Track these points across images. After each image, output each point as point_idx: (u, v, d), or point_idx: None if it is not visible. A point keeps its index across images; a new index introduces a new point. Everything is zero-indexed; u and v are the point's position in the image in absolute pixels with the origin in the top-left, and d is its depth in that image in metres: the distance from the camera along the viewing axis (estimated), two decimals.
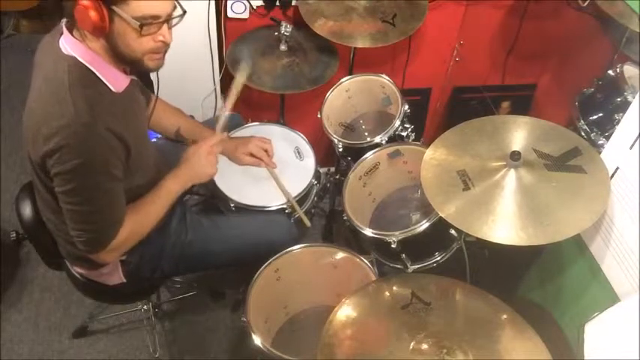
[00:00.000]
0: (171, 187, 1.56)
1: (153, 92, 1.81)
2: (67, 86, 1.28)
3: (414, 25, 2.00)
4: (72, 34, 1.33)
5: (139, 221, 1.49)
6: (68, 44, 1.32)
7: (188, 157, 1.60)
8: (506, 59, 2.51)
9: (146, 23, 1.27)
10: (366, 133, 2.03)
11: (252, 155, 1.83)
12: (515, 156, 1.40)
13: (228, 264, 1.82)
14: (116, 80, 1.37)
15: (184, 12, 1.37)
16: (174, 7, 1.34)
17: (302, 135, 1.98)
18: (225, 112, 1.70)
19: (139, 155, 1.42)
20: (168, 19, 1.32)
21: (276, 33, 2.08)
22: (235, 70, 2.00)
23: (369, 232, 1.64)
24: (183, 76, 2.21)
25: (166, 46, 1.36)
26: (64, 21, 1.34)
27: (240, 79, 1.72)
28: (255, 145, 1.83)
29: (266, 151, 1.84)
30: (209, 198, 2.04)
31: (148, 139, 1.62)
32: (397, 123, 1.86)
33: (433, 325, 1.30)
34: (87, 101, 1.27)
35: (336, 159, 2.20)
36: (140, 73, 1.55)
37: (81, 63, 1.31)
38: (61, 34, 1.34)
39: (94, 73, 1.32)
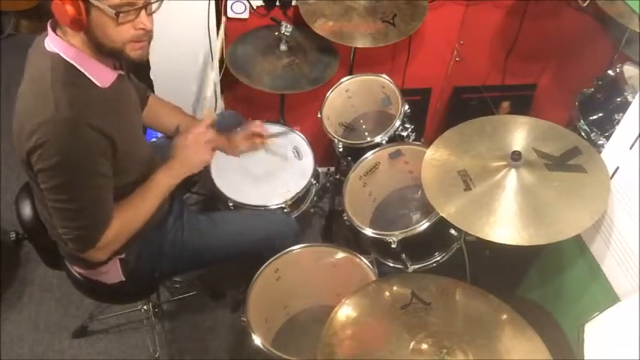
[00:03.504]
0: (162, 181, 1.53)
1: (152, 91, 1.81)
2: (50, 83, 1.28)
3: (414, 25, 2.00)
4: (55, 32, 1.33)
5: (129, 218, 1.47)
6: (52, 42, 1.32)
7: (177, 149, 1.58)
8: (506, 59, 2.51)
9: (123, 11, 1.26)
10: (366, 133, 2.03)
11: (246, 139, 1.80)
12: (515, 156, 1.40)
13: (227, 260, 1.81)
14: (102, 75, 1.36)
15: None
16: None
17: (301, 134, 1.98)
18: (209, 97, 1.66)
19: (128, 152, 1.41)
20: (145, 5, 1.30)
21: (276, 33, 2.08)
22: (238, 73, 1.99)
23: (369, 232, 1.64)
24: (183, 76, 2.21)
25: (147, 34, 1.34)
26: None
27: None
28: (246, 126, 1.81)
29: (258, 126, 1.81)
30: (208, 197, 2.05)
31: (141, 135, 1.61)
32: (397, 123, 1.86)
33: (433, 325, 1.30)
34: (69, 97, 1.27)
35: (336, 159, 2.20)
36: (138, 71, 1.55)
37: (64, 59, 1.31)
38: (47, 33, 1.34)
39: (78, 69, 1.32)
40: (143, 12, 1.30)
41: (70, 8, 1.22)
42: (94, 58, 1.34)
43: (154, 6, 1.34)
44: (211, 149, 1.59)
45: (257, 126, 1.81)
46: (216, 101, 2.35)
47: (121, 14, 1.26)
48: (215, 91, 2.31)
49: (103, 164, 1.35)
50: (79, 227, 1.38)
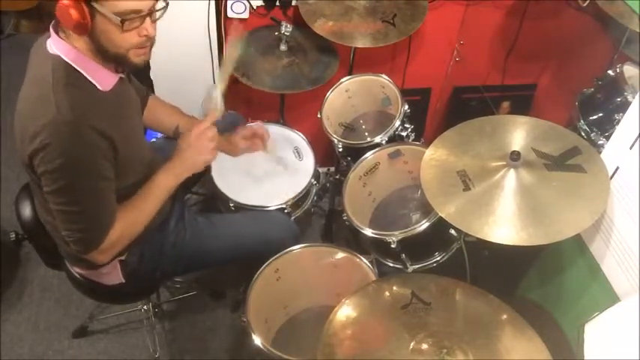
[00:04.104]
0: (163, 182, 1.52)
1: (152, 91, 1.80)
2: (51, 85, 1.28)
3: (414, 25, 2.00)
4: (57, 34, 1.33)
5: (132, 219, 1.47)
6: (54, 44, 1.32)
7: (179, 148, 1.56)
8: (506, 59, 2.51)
9: (128, 19, 1.26)
10: (366, 133, 2.03)
11: (246, 139, 1.78)
12: (514, 156, 1.40)
13: (227, 263, 1.81)
14: (103, 78, 1.36)
15: (167, 4, 1.35)
16: (157, 0, 1.32)
17: (301, 135, 1.98)
18: (215, 90, 1.62)
19: (129, 154, 1.41)
20: (150, 13, 1.30)
21: (276, 33, 2.08)
22: (238, 73, 1.99)
23: (369, 232, 1.64)
24: (183, 76, 2.21)
25: (151, 40, 1.34)
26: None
27: (231, 52, 1.62)
28: (244, 127, 1.80)
29: (258, 128, 1.79)
30: (209, 198, 2.05)
31: (142, 137, 1.61)
32: (397, 123, 1.86)
33: (433, 325, 1.30)
34: (70, 100, 1.27)
35: (336, 159, 2.20)
36: (139, 72, 1.55)
37: (65, 62, 1.31)
38: (50, 35, 1.34)
39: (80, 72, 1.32)
40: (148, 19, 1.30)
41: (74, 12, 1.22)
42: (96, 61, 1.34)
43: (159, 13, 1.34)
44: (214, 148, 1.56)
45: (258, 127, 1.80)
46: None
47: (126, 22, 1.26)
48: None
49: (105, 167, 1.35)
50: (82, 229, 1.38)
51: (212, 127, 1.57)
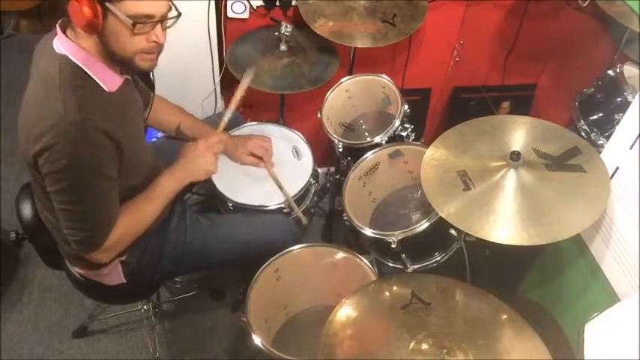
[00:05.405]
0: (167, 185, 1.54)
1: (154, 92, 1.81)
2: (58, 85, 1.28)
3: (414, 25, 2.00)
4: (65, 34, 1.33)
5: (134, 220, 1.48)
6: (61, 44, 1.32)
7: (185, 154, 1.59)
8: (506, 59, 2.51)
9: (139, 22, 1.27)
10: (366, 133, 2.03)
11: (252, 154, 1.83)
12: (515, 156, 1.40)
13: (228, 263, 1.81)
14: (109, 79, 1.36)
15: (179, 14, 1.37)
16: (170, 8, 1.34)
17: (300, 134, 1.98)
18: (229, 113, 1.69)
19: (133, 155, 1.42)
20: (162, 20, 1.31)
21: (276, 33, 2.08)
22: (238, 72, 2.00)
23: (369, 232, 1.64)
24: (183, 76, 2.21)
25: (159, 46, 1.35)
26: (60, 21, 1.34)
27: (245, 83, 1.72)
28: (255, 143, 1.83)
29: (266, 150, 1.84)
30: (208, 198, 2.05)
31: (144, 139, 1.61)
32: (397, 123, 1.86)
33: (433, 325, 1.30)
34: (77, 100, 1.27)
35: (336, 159, 2.20)
36: (140, 73, 1.55)
37: (72, 62, 1.31)
38: (56, 34, 1.34)
39: (86, 72, 1.32)
40: (159, 26, 1.31)
41: (87, 10, 1.22)
42: (102, 61, 1.34)
43: (170, 21, 1.35)
44: (217, 161, 1.62)
45: (267, 146, 1.83)
46: (216, 101, 2.35)
47: (138, 25, 1.27)
48: (215, 91, 2.31)
49: (110, 167, 1.35)
50: (85, 229, 1.38)
51: (220, 144, 1.64)
